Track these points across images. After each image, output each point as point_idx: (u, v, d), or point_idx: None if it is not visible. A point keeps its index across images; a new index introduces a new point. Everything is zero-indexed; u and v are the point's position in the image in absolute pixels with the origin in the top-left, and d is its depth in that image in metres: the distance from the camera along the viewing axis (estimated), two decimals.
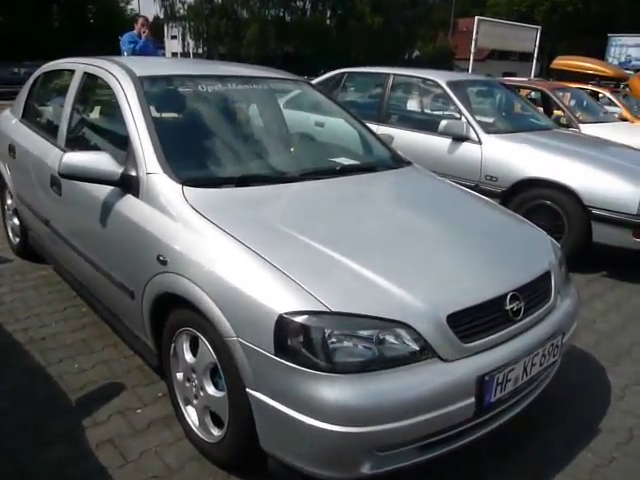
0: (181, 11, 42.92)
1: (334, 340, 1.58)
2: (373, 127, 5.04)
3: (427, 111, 5.09)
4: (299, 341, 1.57)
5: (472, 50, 15.51)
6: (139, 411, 2.29)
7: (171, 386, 2.14)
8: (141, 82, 2.48)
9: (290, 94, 3.99)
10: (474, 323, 1.75)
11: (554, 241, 2.46)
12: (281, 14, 43.86)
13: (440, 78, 4.79)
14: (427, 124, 4.71)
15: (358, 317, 1.61)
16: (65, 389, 2.41)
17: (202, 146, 2.38)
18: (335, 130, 3.18)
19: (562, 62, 9.50)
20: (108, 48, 7.13)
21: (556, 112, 7.17)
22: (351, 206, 2.22)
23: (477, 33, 15.17)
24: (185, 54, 44.88)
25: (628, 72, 11.53)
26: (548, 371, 2.10)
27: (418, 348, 1.64)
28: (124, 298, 2.26)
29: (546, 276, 2.10)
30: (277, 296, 1.63)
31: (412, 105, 5.23)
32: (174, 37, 45.47)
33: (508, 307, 1.84)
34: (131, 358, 2.65)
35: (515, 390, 1.86)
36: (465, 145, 4.47)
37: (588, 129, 6.50)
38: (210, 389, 1.89)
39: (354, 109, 5.48)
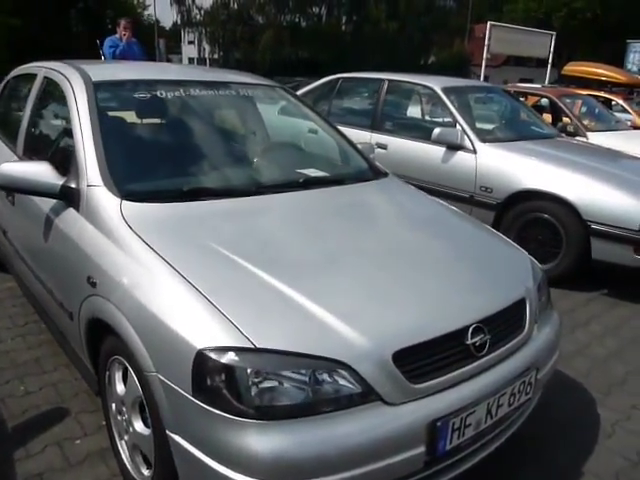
0: (197, 17, 43.21)
1: (260, 381, 1.39)
2: (367, 134, 4.92)
3: (422, 118, 4.87)
4: (220, 382, 1.39)
5: (485, 56, 15.25)
6: (78, 442, 2.12)
7: (107, 417, 1.97)
8: (95, 87, 2.33)
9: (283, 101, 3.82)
10: (426, 361, 1.55)
11: (535, 262, 2.24)
12: (296, 20, 43.96)
13: (435, 84, 4.58)
14: (421, 132, 4.50)
15: (289, 355, 1.42)
16: (5, 415, 2.25)
17: (152, 157, 2.22)
18: (310, 139, 2.99)
19: (573, 68, 9.21)
20: None
21: (564, 120, 6.91)
22: (305, 224, 2.03)
23: (490, 39, 14.91)
24: (201, 59, 45.17)
25: None
26: (521, 410, 1.88)
27: (359, 391, 1.44)
28: (65, 318, 2.10)
29: (520, 304, 1.89)
30: (198, 329, 1.45)
31: (406, 112, 5.02)
32: (191, 42, 45.89)
33: (470, 341, 1.63)
34: (81, 380, 2.48)
35: (478, 435, 1.65)
36: (459, 154, 4.25)
37: (597, 138, 6.24)
38: (138, 425, 1.72)
39: (348, 116, 5.36)
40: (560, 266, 3.83)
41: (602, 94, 8.51)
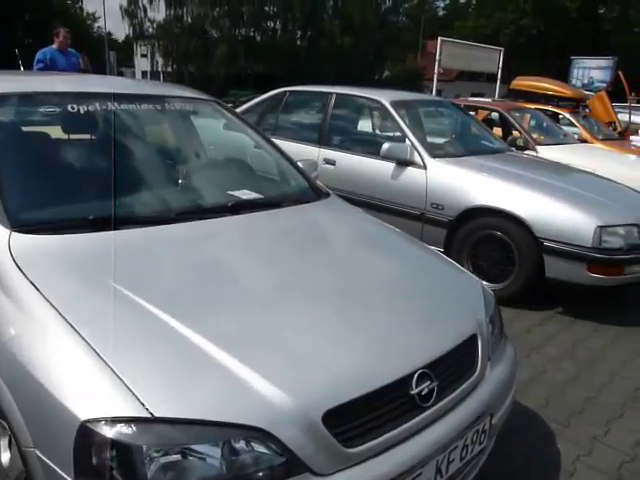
0: (150, 30, 42.56)
1: (161, 456, 1.13)
2: (314, 150, 4.71)
3: (370, 133, 4.71)
4: (109, 461, 1.12)
5: (436, 70, 15.42)
6: None
7: None
8: None
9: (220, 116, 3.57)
10: (364, 419, 1.32)
11: (486, 289, 2.06)
12: (251, 34, 43.84)
13: (383, 98, 4.44)
14: (371, 147, 4.33)
15: (195, 424, 1.17)
16: None
17: (53, 180, 1.93)
18: (246, 157, 2.76)
19: (521, 82, 9.33)
20: None
21: (514, 133, 6.92)
22: (228, 257, 1.79)
23: (441, 54, 15.09)
24: (154, 73, 44.46)
25: (588, 93, 11.47)
26: (475, 461, 1.68)
27: (282, 461, 1.20)
28: None
29: (471, 341, 1.69)
30: (84, 395, 1.18)
31: (355, 127, 4.85)
32: (144, 56, 45.12)
33: (414, 391, 1.42)
34: None
35: None
36: (409, 170, 4.10)
37: (546, 151, 6.24)
38: None
39: (295, 131, 5.16)
40: (514, 285, 3.70)
41: (550, 108, 8.62)
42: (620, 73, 11.01)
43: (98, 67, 36.53)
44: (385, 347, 1.49)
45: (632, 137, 9.66)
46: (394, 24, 48.88)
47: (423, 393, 1.44)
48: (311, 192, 2.49)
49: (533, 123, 7.92)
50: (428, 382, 1.45)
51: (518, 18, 46.48)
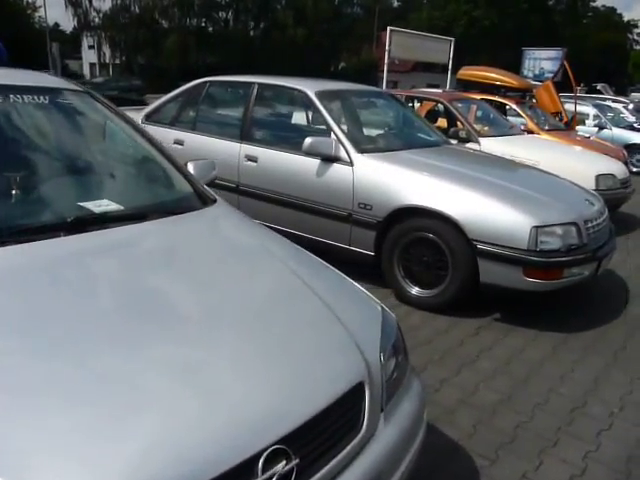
0: (96, 19, 40.97)
1: None
2: (236, 146, 4.30)
3: (295, 126, 4.31)
4: None
5: (386, 61, 15.17)
6: None
7: None
8: None
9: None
10: None
11: (389, 317, 1.71)
12: (203, 24, 42.78)
13: (308, 88, 4.05)
14: (294, 142, 3.94)
15: None
16: None
17: None
18: (119, 159, 2.32)
19: (467, 72, 9.10)
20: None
21: (458, 125, 6.66)
22: (48, 288, 1.37)
23: (390, 44, 14.84)
24: (103, 65, 42.90)
25: (535, 83, 11.40)
26: None
27: None
28: None
29: (355, 393, 1.34)
30: None
31: (278, 120, 4.45)
32: (91, 47, 43.44)
33: (261, 477, 1.05)
34: None
35: None
36: (335, 167, 3.74)
37: (489, 143, 6.01)
38: None
39: (216, 125, 4.73)
40: (448, 291, 3.40)
41: (496, 98, 8.42)
42: (566, 63, 10.93)
43: (41, 59, 34.99)
44: (219, 417, 1.10)
45: (578, 127, 9.60)
46: (348, 15, 48.67)
47: (281, 474, 1.08)
48: (194, 199, 2.09)
49: (480, 114, 7.71)
50: (284, 462, 1.09)
51: (471, 10, 46.95)
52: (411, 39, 15.63)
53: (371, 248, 3.68)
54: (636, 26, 61.62)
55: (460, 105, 6.61)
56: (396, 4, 58.22)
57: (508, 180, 3.65)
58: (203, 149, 4.52)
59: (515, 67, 25.93)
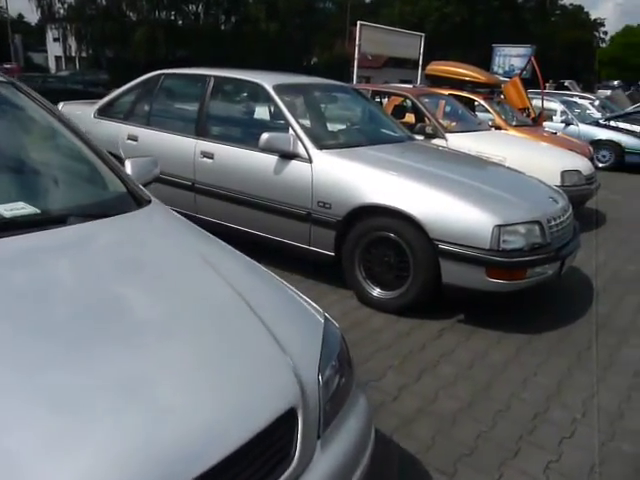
0: (61, 11, 39.86)
1: None
2: (191, 142, 4.10)
3: (252, 122, 4.13)
4: None
5: (356, 56, 15.05)
6: None
7: None
8: None
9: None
10: None
11: (331, 328, 1.57)
12: (172, 17, 41.99)
13: (266, 81, 3.88)
14: (251, 138, 3.76)
15: None
16: None
17: None
18: (43, 156, 2.12)
19: (435, 68, 9.03)
20: None
21: (426, 121, 6.56)
22: None
23: (360, 39, 14.71)
24: (69, 58, 41.81)
25: (503, 79, 11.41)
26: None
27: None
28: None
29: (285, 421, 1.19)
30: None
31: (235, 114, 4.26)
32: (57, 39, 42.29)
33: None
34: None
35: None
36: (293, 164, 3.58)
37: (456, 139, 5.93)
38: None
39: (171, 120, 4.52)
40: (410, 293, 3.28)
41: (464, 94, 8.37)
42: (533, 60, 10.97)
43: (4, 51, 33.83)
44: (118, 462, 0.94)
45: (545, 123, 9.63)
46: (321, 10, 48.46)
47: None
48: (126, 200, 1.91)
49: (448, 110, 7.64)
50: None
51: (442, 6, 47.24)
52: (381, 34, 15.52)
53: (331, 248, 3.54)
54: (602, 24, 62.95)
55: (427, 101, 6.51)
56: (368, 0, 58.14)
57: (471, 177, 3.55)
58: (157, 145, 4.32)
59: (486, 63, 26.19)
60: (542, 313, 3.56)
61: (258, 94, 3.97)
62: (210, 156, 3.97)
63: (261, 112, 4.03)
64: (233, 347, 1.30)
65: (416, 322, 3.29)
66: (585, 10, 64.69)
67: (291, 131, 3.63)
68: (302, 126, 3.65)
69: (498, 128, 7.64)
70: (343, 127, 4.47)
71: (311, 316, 1.57)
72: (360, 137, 4.18)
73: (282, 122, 3.81)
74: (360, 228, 3.38)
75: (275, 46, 39.37)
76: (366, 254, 3.42)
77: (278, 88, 3.85)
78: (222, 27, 43.24)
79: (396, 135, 4.41)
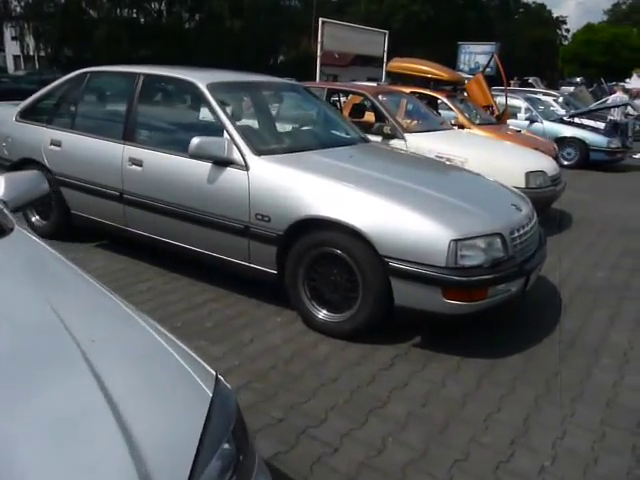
0: (18, 9, 38.48)
1: None
2: (118, 148, 3.67)
3: (185, 125, 3.69)
4: None
5: (319, 53, 14.68)
6: None
7: None
8: None
9: None
10: None
11: (225, 397, 1.18)
12: (134, 15, 40.92)
13: (199, 79, 3.46)
14: (184, 143, 3.32)
15: None
16: None
17: None
18: None
19: (397, 65, 8.72)
20: None
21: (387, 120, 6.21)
22: None
23: (322, 35, 14.36)
24: (28, 57, 40.41)
25: (467, 76, 11.19)
26: None
27: None
28: None
29: None
30: None
31: (167, 117, 3.82)
32: (15, 38, 40.84)
33: None
34: None
35: None
36: (229, 171, 3.19)
37: (416, 139, 5.61)
38: None
39: (98, 124, 4.06)
40: (360, 315, 2.92)
41: (427, 92, 8.08)
42: (496, 57, 10.79)
43: None
44: None
45: (510, 121, 9.42)
46: (287, 7, 47.94)
47: None
48: None
49: (410, 108, 7.33)
50: None
51: (408, 4, 47.28)
52: (344, 31, 15.19)
53: (273, 266, 3.15)
54: (564, 22, 64.04)
55: (386, 99, 6.18)
56: None
57: (426, 184, 3.20)
58: (82, 151, 3.89)
59: (452, 61, 26.20)
60: (505, 331, 3.24)
61: (191, 94, 3.55)
62: (139, 163, 3.54)
63: (196, 114, 3.61)
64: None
65: (367, 348, 2.93)
66: (548, 8, 65.49)
67: (226, 135, 3.22)
68: (239, 129, 3.25)
69: (461, 127, 7.36)
70: (288, 129, 4.08)
71: (192, 389, 1.18)
72: (306, 140, 3.80)
73: (219, 125, 3.40)
74: (303, 243, 3.00)
75: (240, 44, 38.78)
76: (311, 272, 3.05)
77: (213, 87, 3.44)
78: (186, 25, 42.37)
79: (347, 137, 4.04)
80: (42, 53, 39.09)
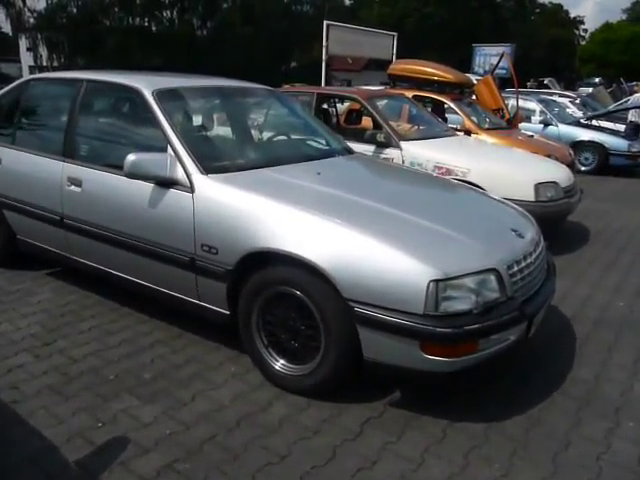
0: (31, 20, 38.81)
1: None
2: (58, 165, 3.20)
3: (129, 139, 3.16)
4: None
5: (324, 58, 14.22)
6: None
7: None
8: None
9: None
10: None
11: None
12: (146, 24, 40.91)
13: (144, 85, 2.97)
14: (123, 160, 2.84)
15: None
16: None
17: None
18: None
19: (399, 67, 8.17)
20: None
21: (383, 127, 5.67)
22: None
23: (327, 39, 13.90)
24: (41, 67, 40.71)
25: (476, 78, 10.60)
26: None
27: None
28: None
29: None
30: None
31: (108, 130, 3.29)
32: (29, 49, 41.29)
33: None
34: None
35: None
36: (172, 194, 2.69)
37: (413, 148, 5.08)
38: None
39: (38, 137, 3.59)
40: (322, 369, 2.39)
41: (431, 95, 7.53)
42: (507, 57, 10.18)
43: None
44: None
45: (522, 125, 8.81)
46: (299, 14, 47.65)
47: None
48: None
49: (410, 113, 6.80)
50: None
51: (421, 6, 46.75)
52: (350, 34, 14.70)
53: (224, 305, 2.64)
54: (582, 22, 62.86)
55: (380, 104, 5.64)
56: (348, 2, 57.43)
57: (407, 207, 2.64)
58: (22, 168, 3.43)
59: (467, 64, 25.58)
60: (503, 384, 2.68)
61: (133, 101, 3.06)
62: (78, 183, 3.07)
63: (142, 125, 3.09)
64: None
65: (332, 409, 2.40)
66: (564, 8, 64.33)
67: (170, 150, 2.73)
68: (186, 143, 2.74)
69: (468, 132, 6.80)
70: (249, 142, 3.56)
71: None
72: (267, 154, 3.26)
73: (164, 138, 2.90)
74: (256, 281, 2.48)
75: (252, 51, 38.62)
76: (267, 314, 2.53)
77: (161, 94, 2.95)
78: (198, 33, 42.28)
79: (325, 149, 3.52)
80: (55, 63, 39.29)
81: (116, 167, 2.88)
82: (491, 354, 2.27)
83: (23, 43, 43.13)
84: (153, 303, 3.14)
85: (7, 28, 50.06)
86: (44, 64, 39.73)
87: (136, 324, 3.17)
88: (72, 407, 2.35)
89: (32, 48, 39.73)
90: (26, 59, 44.55)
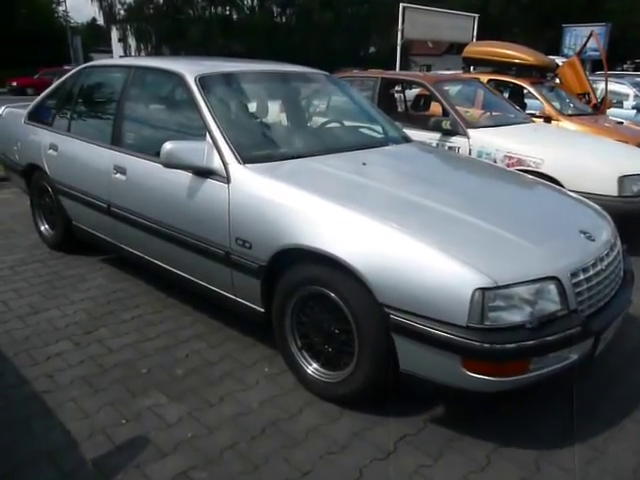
0: (121, 12, 40.75)
1: None
2: (106, 153, 3.20)
3: (173, 126, 3.06)
4: None
5: (399, 42, 13.80)
6: None
7: None
8: None
9: None
10: None
11: None
12: (227, 12, 41.70)
13: (188, 71, 2.87)
14: None
15: None
16: None
17: None
18: None
19: (474, 49, 7.68)
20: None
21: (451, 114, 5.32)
22: None
23: (403, 22, 13.45)
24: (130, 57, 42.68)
25: (560, 60, 9.82)
26: None
27: None
28: None
29: None
30: None
31: (154, 117, 3.21)
32: (120, 40, 43.41)
33: None
34: None
35: None
36: (208, 184, 2.58)
37: (481, 136, 4.72)
38: None
39: (91, 126, 3.59)
40: (356, 378, 2.20)
41: (507, 79, 7.03)
42: (595, 37, 9.34)
43: (67, 52, 34.82)
44: None
45: (611, 110, 8.05)
46: None
47: None
48: None
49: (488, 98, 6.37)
50: None
51: None
52: (427, 17, 14.15)
53: (258, 302, 2.51)
54: None
55: (449, 89, 5.29)
56: None
57: (460, 204, 2.37)
58: (76, 156, 3.48)
59: (557, 46, 24.05)
60: (564, 403, 2.36)
61: (177, 87, 2.97)
62: (123, 171, 3.04)
63: (185, 112, 2.98)
64: None
65: (366, 421, 2.21)
66: None
67: (208, 138, 2.61)
68: (225, 131, 2.62)
69: (547, 119, 6.27)
70: (296, 129, 3.38)
71: None
72: (314, 142, 3.05)
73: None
74: (289, 279, 2.33)
75: (330, 37, 38.40)
76: (301, 315, 2.37)
77: (204, 80, 2.84)
78: (277, 20, 42.58)
79: (378, 137, 3.29)
80: (143, 53, 41.00)
81: (157, 155, 2.81)
82: (547, 375, 1.98)
83: (114, 34, 45.38)
84: (197, 295, 3.07)
85: (101, 20, 52.89)
86: (132, 54, 41.64)
87: (178, 316, 3.12)
88: (100, 401, 2.31)
89: (122, 39, 41.67)
90: (117, 50, 46.89)
